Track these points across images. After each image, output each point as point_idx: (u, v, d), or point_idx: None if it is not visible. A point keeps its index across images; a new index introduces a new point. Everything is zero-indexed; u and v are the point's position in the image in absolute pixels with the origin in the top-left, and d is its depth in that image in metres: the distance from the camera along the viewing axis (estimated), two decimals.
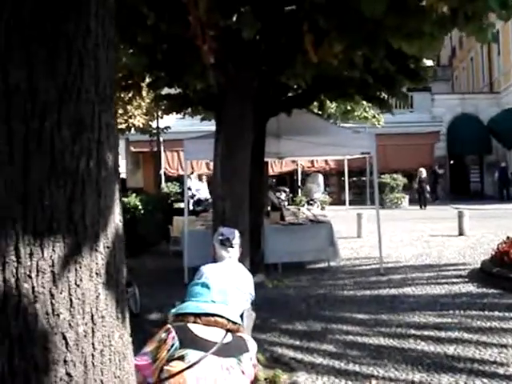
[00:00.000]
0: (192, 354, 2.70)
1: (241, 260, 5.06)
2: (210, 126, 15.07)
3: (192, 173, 20.53)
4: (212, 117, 13.11)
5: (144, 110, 18.56)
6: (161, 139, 21.82)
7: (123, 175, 24.73)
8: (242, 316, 4.34)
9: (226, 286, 3.52)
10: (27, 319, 1.73)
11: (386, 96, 11.43)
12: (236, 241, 4.92)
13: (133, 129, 18.74)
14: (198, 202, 16.54)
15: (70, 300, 1.78)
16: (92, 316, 1.83)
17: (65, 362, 1.76)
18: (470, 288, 9.25)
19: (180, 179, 24.79)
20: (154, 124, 20.00)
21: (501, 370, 5.70)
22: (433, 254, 12.69)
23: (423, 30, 6.28)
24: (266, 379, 5.56)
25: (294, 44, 7.32)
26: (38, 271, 1.74)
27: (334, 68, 7.62)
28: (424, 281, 10.03)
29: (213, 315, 2.89)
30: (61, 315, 1.77)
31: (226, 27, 6.04)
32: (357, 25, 6.33)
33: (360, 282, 10.31)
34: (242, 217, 7.28)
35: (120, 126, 16.79)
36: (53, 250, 1.76)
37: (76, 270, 1.79)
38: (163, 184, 23.72)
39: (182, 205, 14.98)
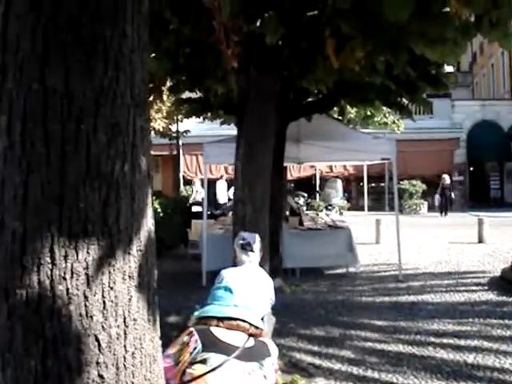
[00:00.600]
0: (214, 358, 2.70)
1: (261, 264, 5.06)
2: (229, 130, 15.14)
3: (221, 177, 20.65)
4: (232, 121, 13.15)
5: (164, 114, 18.63)
6: (180, 143, 21.89)
7: None
8: (262, 320, 4.35)
9: (249, 290, 3.53)
10: (61, 321, 1.75)
11: (407, 102, 11.38)
12: (257, 245, 4.92)
13: (152, 132, 18.83)
14: (217, 206, 16.57)
15: (104, 302, 1.79)
16: (124, 318, 1.84)
17: (97, 363, 1.78)
18: (490, 296, 9.17)
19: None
20: (173, 127, 20.07)
21: None
22: (452, 261, 12.59)
23: (446, 36, 6.25)
24: None
25: (315, 49, 7.33)
26: (72, 273, 1.75)
27: (356, 73, 7.61)
28: (443, 288, 9.95)
29: (235, 319, 2.90)
30: (94, 317, 1.78)
31: (249, 32, 6.06)
32: (380, 30, 6.32)
33: (378, 288, 10.26)
34: (263, 221, 7.29)
35: None
36: (87, 253, 1.77)
37: (109, 272, 1.81)
38: (182, 187, 23.79)
39: (199, 208, 15.00)
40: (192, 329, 2.84)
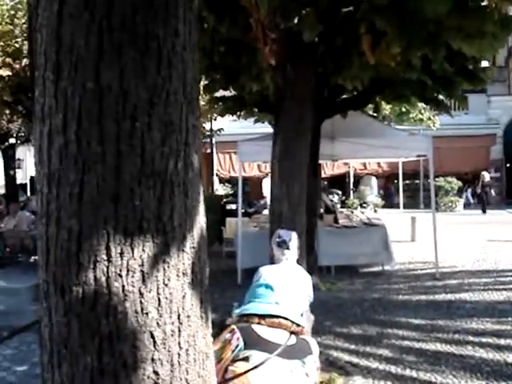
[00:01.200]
0: (256, 356, 2.71)
1: (298, 262, 5.05)
2: (262, 128, 15.18)
3: (267, 175, 20.66)
4: (266, 119, 13.17)
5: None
6: (213, 141, 21.99)
7: None
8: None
9: (289, 287, 3.53)
10: (117, 317, 1.76)
11: (444, 98, 11.25)
12: (293, 243, 4.91)
13: None
14: (250, 204, 16.60)
15: (159, 299, 1.80)
16: (179, 315, 1.84)
17: (152, 360, 1.78)
18: None
19: (232, 181, 24.96)
20: (207, 126, 20.17)
21: None
22: (489, 259, 12.43)
23: (484, 30, 6.17)
24: (321, 382, 5.54)
25: (350, 45, 7.29)
26: (128, 270, 1.76)
27: (391, 69, 7.55)
28: (481, 286, 9.84)
29: (277, 317, 2.90)
30: (149, 314, 1.79)
31: (286, 29, 6.06)
32: (417, 26, 6.26)
33: (415, 286, 10.19)
34: (299, 218, 7.28)
35: None
36: (142, 250, 1.78)
37: (164, 269, 1.81)
38: (216, 185, 23.89)
39: (233, 206, 15.05)
40: (234, 326, 2.85)
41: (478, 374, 5.83)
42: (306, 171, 7.43)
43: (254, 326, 2.86)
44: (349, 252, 10.93)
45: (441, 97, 11.04)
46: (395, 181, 24.26)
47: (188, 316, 1.86)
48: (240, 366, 2.70)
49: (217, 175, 26.09)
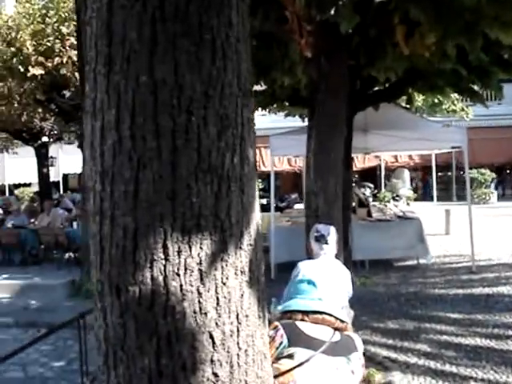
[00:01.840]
0: (301, 353, 2.66)
1: (336, 256, 4.98)
2: (291, 122, 15.08)
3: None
4: (296, 112, 13.08)
5: None
6: None
7: None
8: None
9: (331, 283, 3.46)
10: (175, 318, 1.71)
11: (479, 88, 11.04)
12: (332, 237, 4.83)
13: None
14: (282, 199, 16.54)
15: (217, 298, 1.75)
16: (237, 315, 1.79)
17: (212, 361, 1.73)
18: None
19: (261, 175, 24.87)
20: None
21: None
22: None
23: None
24: None
25: (384, 36, 7.17)
26: (185, 269, 1.71)
27: (426, 60, 7.42)
28: None
29: (321, 313, 2.85)
30: (208, 314, 1.73)
31: (322, 21, 5.97)
32: (454, 15, 6.14)
33: (451, 280, 10.05)
34: (335, 213, 7.19)
35: None
36: (200, 248, 1.72)
37: (222, 267, 1.76)
38: None
39: (264, 201, 14.99)
40: (277, 323, 2.80)
41: None
42: (341, 165, 7.34)
43: (298, 323, 2.82)
44: (383, 246, 10.82)
45: (475, 87, 10.83)
46: (427, 173, 23.98)
47: (246, 316, 1.80)
48: (284, 364, 2.66)
49: None
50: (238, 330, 1.78)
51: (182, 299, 1.70)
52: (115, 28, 1.74)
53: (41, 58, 10.49)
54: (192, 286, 1.71)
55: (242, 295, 1.80)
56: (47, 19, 11.12)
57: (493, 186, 24.47)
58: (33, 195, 21.87)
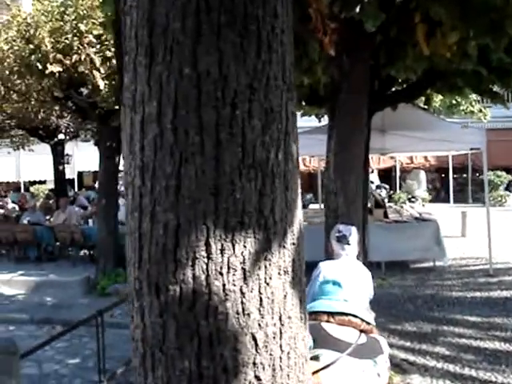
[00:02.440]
0: (327, 355, 2.63)
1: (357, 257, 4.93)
2: (307, 122, 15.00)
3: (372, 171, 20.49)
4: (313, 112, 13.00)
5: None
6: None
7: None
8: None
9: (355, 284, 3.41)
10: (217, 319, 1.65)
11: (499, 89, 10.92)
12: (353, 238, 4.78)
13: None
14: None
15: (260, 299, 1.68)
16: (280, 316, 1.72)
17: (254, 364, 1.67)
18: None
19: None
20: None
21: None
22: None
23: None
24: None
25: (405, 35, 7.09)
26: (229, 268, 1.64)
27: (447, 60, 7.33)
28: None
29: (347, 314, 2.84)
30: (251, 315, 1.67)
31: (346, 19, 5.89)
32: (478, 14, 6.05)
33: (468, 282, 9.99)
34: (356, 213, 7.13)
35: None
36: (244, 246, 1.66)
37: (266, 267, 1.69)
38: None
39: None
40: None
41: None
42: (362, 165, 7.28)
43: (324, 324, 2.80)
44: (399, 247, 10.76)
45: (496, 88, 10.71)
46: (443, 175, 23.83)
47: (289, 317, 1.74)
48: (310, 365, 2.61)
49: None
50: (280, 332, 1.72)
51: (224, 299, 1.64)
52: (157, 18, 1.68)
53: (59, 56, 10.46)
54: (235, 285, 1.65)
55: (285, 296, 1.74)
56: (65, 17, 11.09)
57: (502, 187, 24.21)
58: (48, 192, 21.94)
